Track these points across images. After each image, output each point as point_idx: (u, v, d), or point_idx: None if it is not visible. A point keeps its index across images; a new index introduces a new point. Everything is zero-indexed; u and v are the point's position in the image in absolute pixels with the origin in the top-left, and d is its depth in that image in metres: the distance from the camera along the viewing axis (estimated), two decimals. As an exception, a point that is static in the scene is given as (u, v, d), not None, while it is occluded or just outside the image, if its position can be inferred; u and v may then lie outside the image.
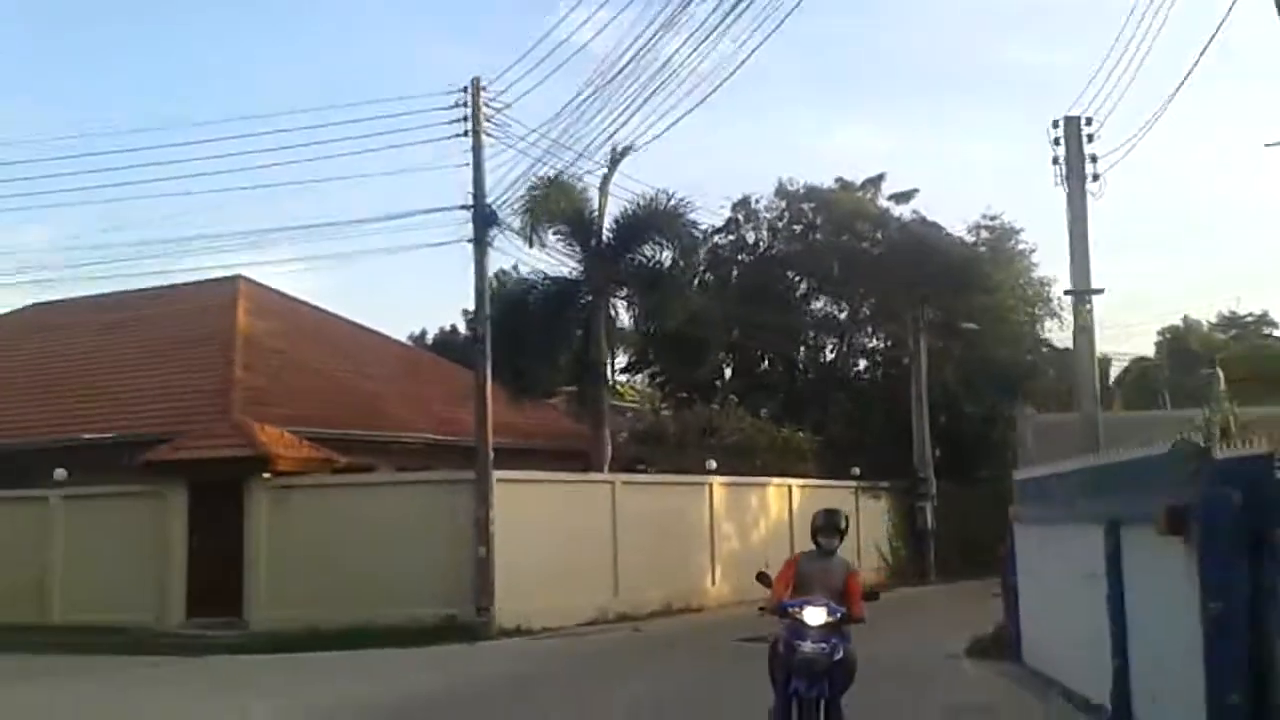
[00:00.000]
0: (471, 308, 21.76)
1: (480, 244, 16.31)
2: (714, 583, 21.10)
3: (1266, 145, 15.22)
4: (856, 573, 8.25)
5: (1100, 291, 14.39)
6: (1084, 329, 14.18)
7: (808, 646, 7.74)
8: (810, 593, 7.96)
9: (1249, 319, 44.06)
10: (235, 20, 63.18)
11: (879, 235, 29.62)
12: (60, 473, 17.63)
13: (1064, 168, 14.21)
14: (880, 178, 30.78)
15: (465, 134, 16.22)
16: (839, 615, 7.80)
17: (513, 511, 16.72)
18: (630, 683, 12.08)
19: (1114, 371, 39.83)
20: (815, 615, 7.80)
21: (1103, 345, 40.00)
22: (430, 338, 37.35)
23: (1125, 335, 55.92)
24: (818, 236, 30.62)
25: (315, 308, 28.11)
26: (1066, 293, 15.06)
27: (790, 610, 7.89)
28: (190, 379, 22.13)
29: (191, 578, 16.86)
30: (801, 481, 24.09)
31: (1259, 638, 6.46)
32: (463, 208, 16.28)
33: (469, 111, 16.12)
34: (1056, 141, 14.29)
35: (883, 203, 30.96)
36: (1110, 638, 8.65)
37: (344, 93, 61.81)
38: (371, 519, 16.80)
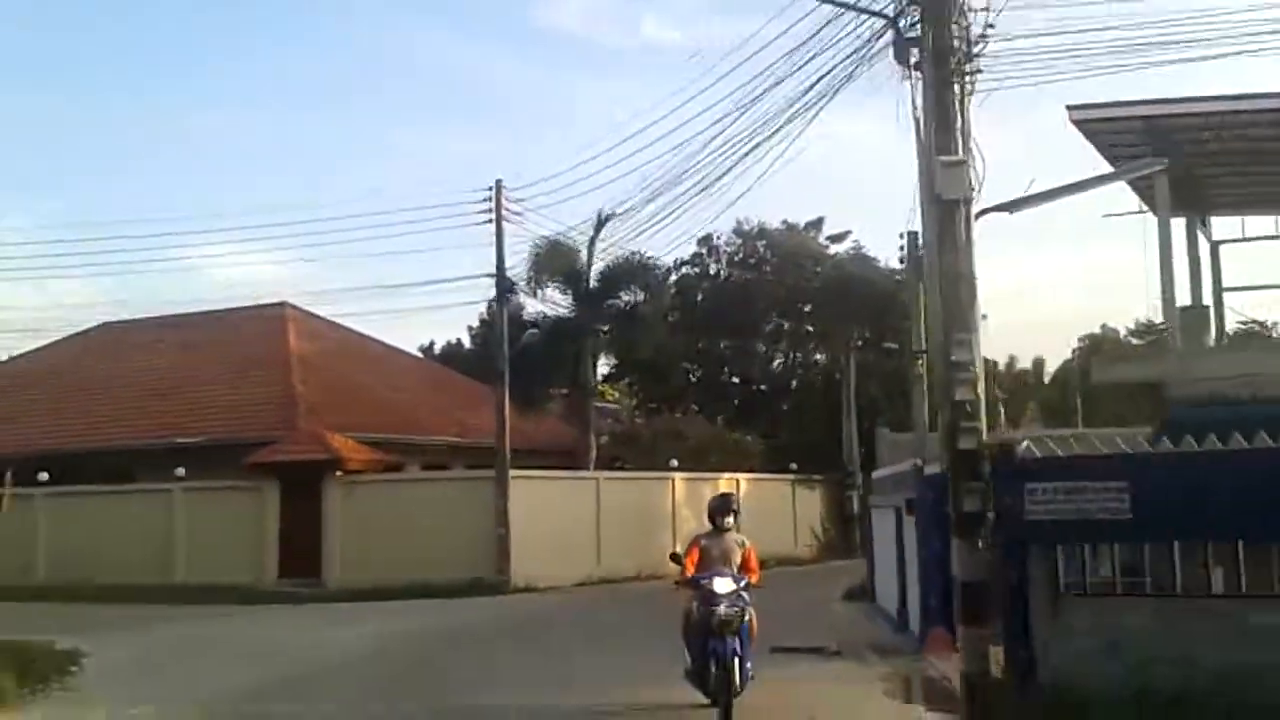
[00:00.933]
0: (475, 324, 27.52)
1: (500, 303, 22.06)
2: (671, 552, 26.89)
3: (1104, 216, 20.86)
4: (750, 547, 9.66)
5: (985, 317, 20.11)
6: (918, 377, 19.94)
7: (722, 609, 8.95)
8: (713, 566, 9.28)
9: (1164, 327, 49.76)
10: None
11: (818, 270, 35.40)
12: (180, 471, 23.17)
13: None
14: (820, 220, 36.60)
15: (490, 221, 21.98)
16: (743, 583, 9.20)
17: (523, 501, 22.48)
18: (605, 616, 17.88)
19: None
20: (723, 584, 9.08)
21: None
22: (438, 348, 42.84)
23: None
24: (768, 269, 36.40)
25: (349, 329, 33.67)
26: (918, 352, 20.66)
27: (701, 583, 9.15)
28: (259, 391, 27.69)
29: (282, 549, 22.55)
30: (748, 476, 29.85)
31: (946, 570, 12.34)
32: (487, 275, 22.05)
33: (493, 205, 21.85)
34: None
35: (823, 240, 36.81)
36: (896, 575, 14.56)
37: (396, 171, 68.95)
38: (418, 506, 22.57)
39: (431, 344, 42.38)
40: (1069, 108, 18.63)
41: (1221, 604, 7.98)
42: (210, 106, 69.94)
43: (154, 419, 27.02)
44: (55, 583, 21.63)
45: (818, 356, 36.69)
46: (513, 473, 22.40)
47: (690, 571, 9.36)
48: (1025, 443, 9.23)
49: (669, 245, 53.11)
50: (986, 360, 29.20)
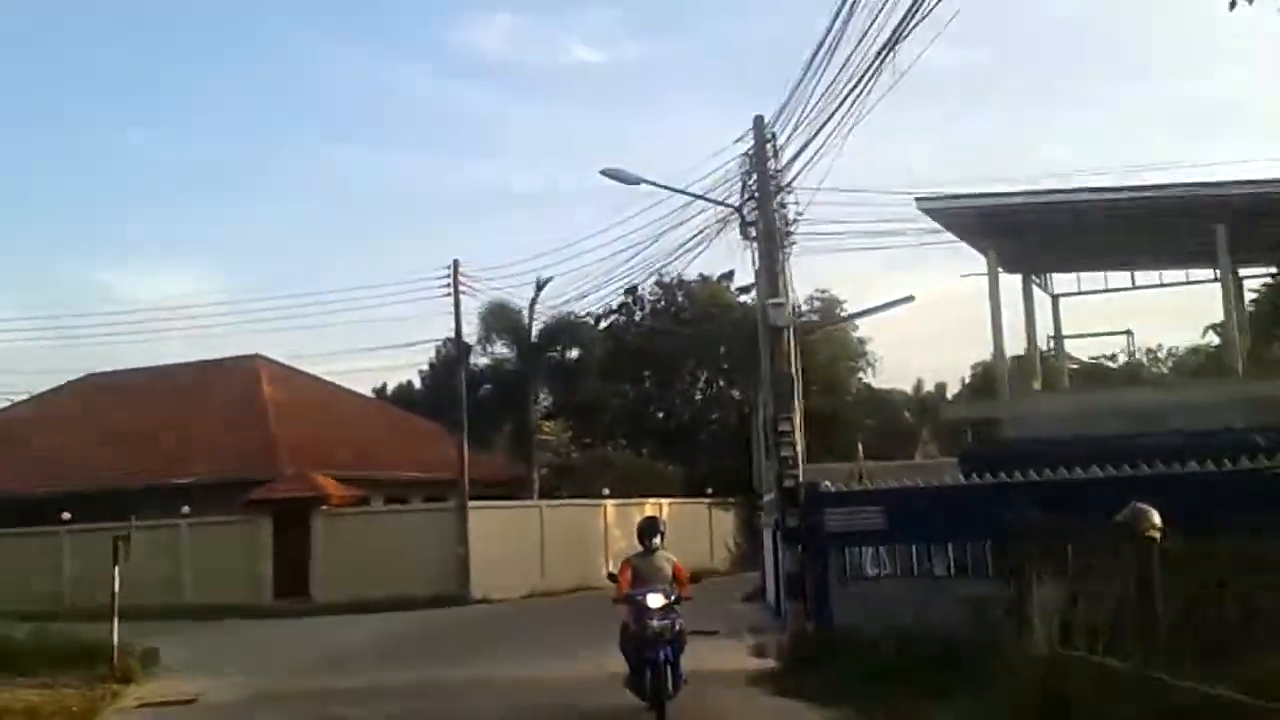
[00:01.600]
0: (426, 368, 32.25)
1: (459, 365, 26.60)
2: (607, 572, 31.45)
3: (963, 276, 25.76)
4: (679, 563, 10.68)
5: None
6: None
7: (655, 623, 9.76)
8: (646, 583, 10.12)
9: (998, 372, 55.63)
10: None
11: (728, 316, 40.44)
12: (185, 509, 27.18)
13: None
14: (731, 273, 41.66)
15: (448, 295, 26.55)
16: (674, 597, 10.06)
17: (479, 527, 26.91)
18: (547, 618, 22.40)
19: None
20: (655, 599, 9.88)
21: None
22: (390, 389, 47.01)
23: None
24: (686, 316, 41.35)
25: (314, 377, 37.78)
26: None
27: (636, 598, 9.94)
28: (241, 435, 31.70)
29: (276, 572, 26.67)
30: (669, 500, 34.50)
31: (794, 567, 17.18)
32: (446, 340, 26.56)
33: (451, 281, 26.43)
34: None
35: (733, 290, 41.87)
36: (773, 578, 19.36)
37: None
38: (391, 533, 26.92)
39: (384, 385, 46.57)
40: (917, 199, 23.72)
41: (942, 580, 12.83)
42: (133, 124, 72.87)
43: (146, 462, 30.91)
44: (79, 605, 25.45)
45: (733, 393, 41.62)
46: (470, 504, 26.85)
47: (625, 589, 10.27)
48: (825, 482, 14.04)
49: (600, 297, 58.00)
50: (893, 389, 34.26)
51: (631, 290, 41.75)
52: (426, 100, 78.75)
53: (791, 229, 13.40)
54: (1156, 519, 6.48)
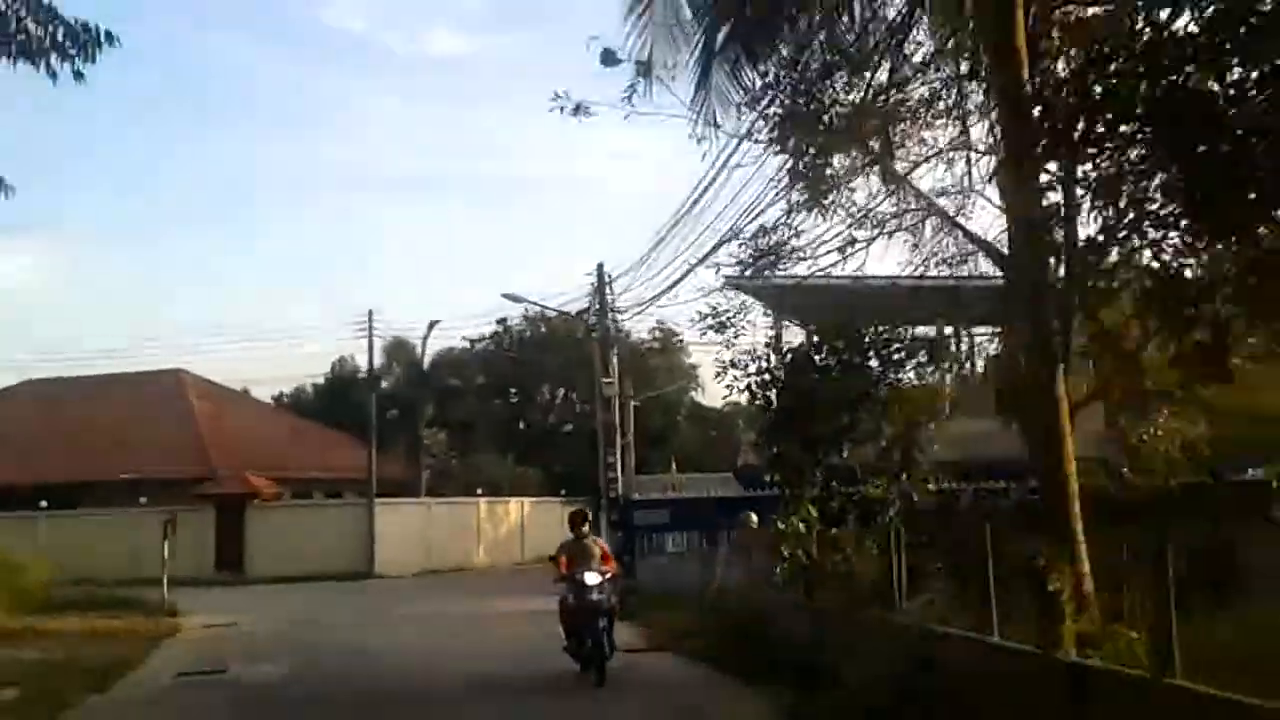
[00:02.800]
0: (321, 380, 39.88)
1: (372, 397, 34.06)
2: (479, 555, 39.30)
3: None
4: (605, 547, 12.49)
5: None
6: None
7: (592, 597, 11.32)
8: (580, 564, 11.65)
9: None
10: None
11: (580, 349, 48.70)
12: (143, 499, 33.73)
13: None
14: (585, 310, 49.90)
15: (366, 338, 33.99)
16: (607, 575, 11.66)
17: (382, 518, 34.39)
18: (437, 587, 30.12)
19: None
20: (592, 578, 11.45)
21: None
22: (285, 397, 53.47)
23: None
24: (547, 342, 49.41)
25: (229, 388, 44.37)
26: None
27: (575, 577, 11.46)
28: (176, 436, 38.21)
29: (217, 552, 33.55)
30: (530, 499, 42.54)
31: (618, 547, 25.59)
32: (364, 378, 33.93)
33: (368, 331, 33.87)
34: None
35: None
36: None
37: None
38: (311, 522, 34.10)
39: (281, 394, 53.11)
40: (726, 278, 32.32)
41: (707, 555, 21.25)
42: None
43: (94, 460, 37.17)
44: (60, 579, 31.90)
45: (585, 406, 49.87)
46: (378, 500, 34.35)
47: (564, 569, 11.61)
48: (635, 493, 22.35)
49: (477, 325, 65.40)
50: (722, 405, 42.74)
51: (502, 320, 49.69)
52: (284, 82, 78.99)
53: (621, 334, 21.53)
54: (754, 517, 14.86)
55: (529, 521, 40.33)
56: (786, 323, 33.43)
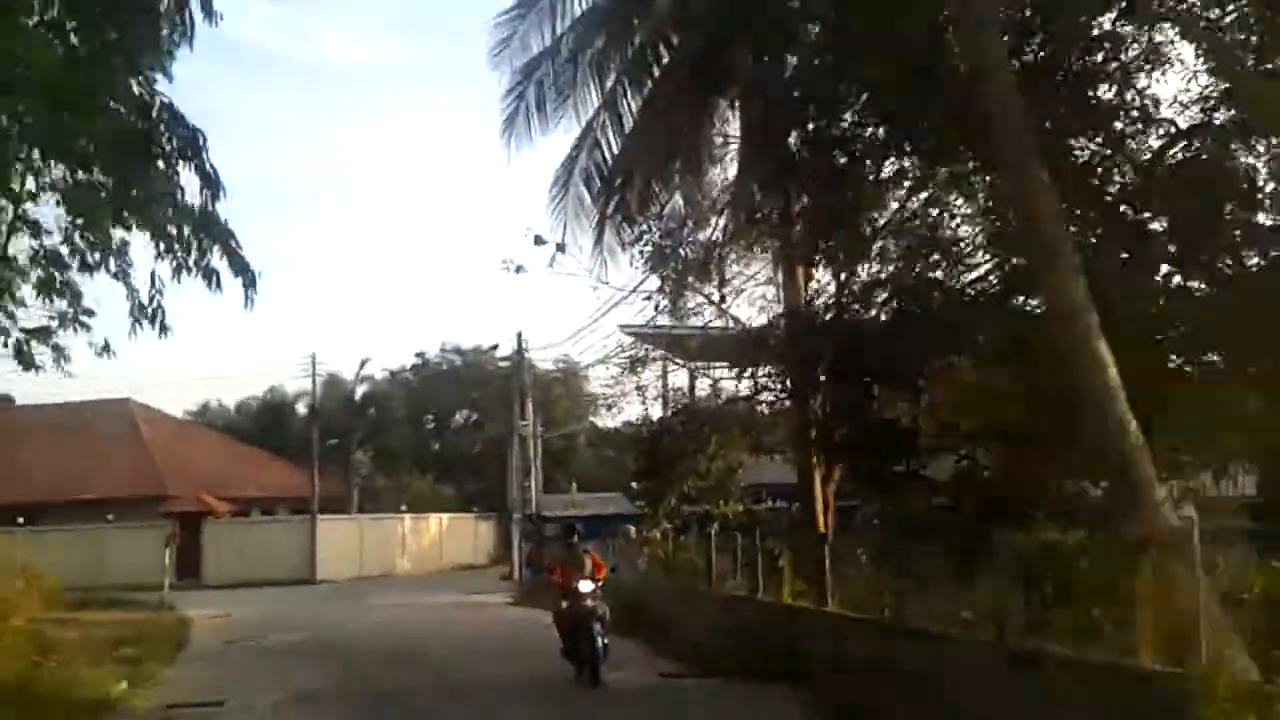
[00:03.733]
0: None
1: (312, 427, 39.60)
2: (404, 564, 45.00)
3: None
4: (595, 554, 13.17)
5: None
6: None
7: (586, 604, 12.05)
8: (573, 573, 12.55)
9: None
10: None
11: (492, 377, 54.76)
12: (110, 516, 38.65)
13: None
14: (496, 345, 55.96)
15: (309, 378, 39.53)
16: (599, 583, 12.41)
17: (324, 531, 39.95)
18: (372, 588, 35.87)
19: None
20: (585, 585, 12.27)
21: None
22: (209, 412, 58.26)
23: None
24: (461, 374, 55.37)
25: (172, 415, 49.20)
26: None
27: (570, 586, 12.35)
28: (130, 461, 43.07)
29: (178, 563, 38.61)
30: (448, 515, 48.37)
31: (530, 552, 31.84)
32: (306, 412, 39.45)
33: (311, 371, 39.40)
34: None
35: (498, 356, 56.17)
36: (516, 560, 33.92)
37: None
38: (259, 536, 39.47)
39: (205, 406, 58.03)
40: (620, 326, 38.73)
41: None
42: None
43: (57, 482, 41.83)
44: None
45: (493, 431, 55.87)
46: (320, 516, 39.93)
47: (558, 578, 12.34)
48: (545, 510, 28.58)
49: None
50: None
51: (420, 354, 55.59)
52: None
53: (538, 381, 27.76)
54: (632, 529, 21.28)
55: (446, 534, 46.34)
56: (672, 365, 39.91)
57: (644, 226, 18.91)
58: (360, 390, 44.47)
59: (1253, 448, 10.80)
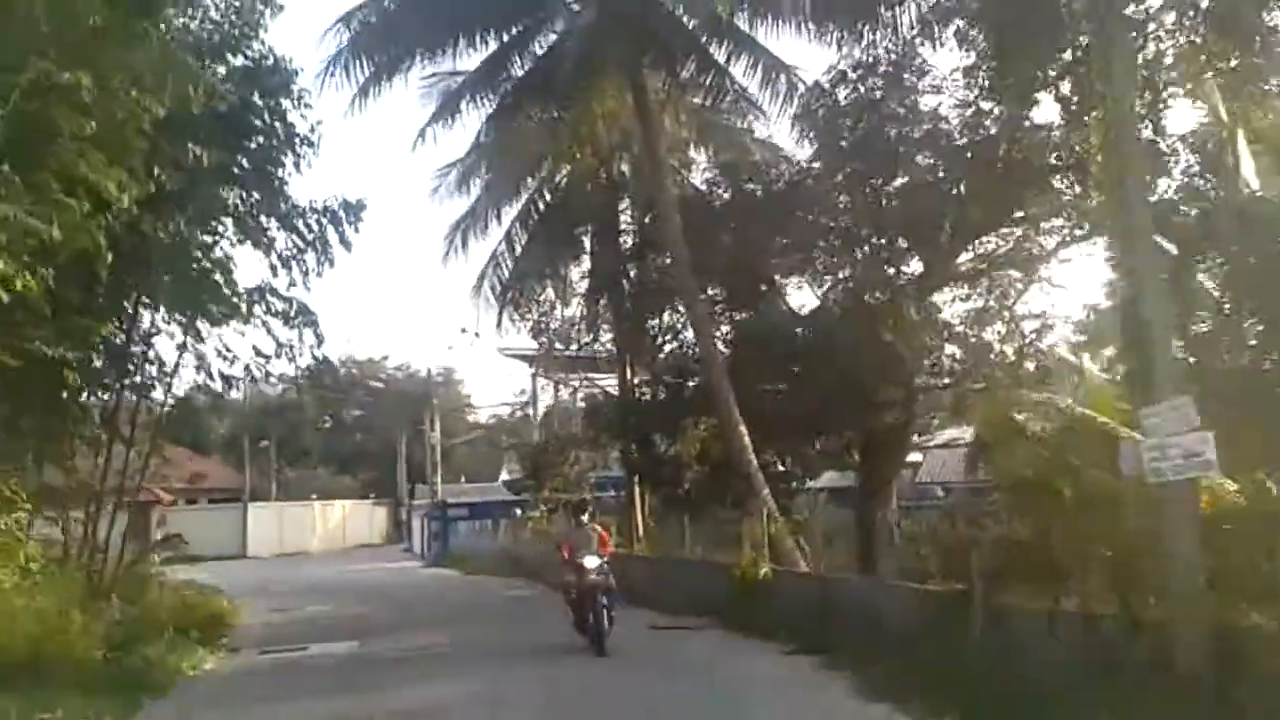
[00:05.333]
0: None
1: (244, 436, 48.14)
2: (315, 543, 53.71)
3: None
4: (604, 532, 13.90)
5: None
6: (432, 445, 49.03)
7: (592, 578, 12.75)
8: (581, 550, 13.21)
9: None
10: None
11: (382, 384, 63.62)
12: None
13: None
14: (386, 356, 64.88)
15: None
16: (605, 559, 13.10)
17: (254, 517, 48.56)
18: (299, 563, 44.80)
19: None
20: (592, 561, 12.96)
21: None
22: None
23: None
24: (356, 381, 64.10)
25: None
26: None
27: (577, 561, 12.97)
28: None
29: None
30: (350, 501, 57.20)
31: (440, 537, 41.57)
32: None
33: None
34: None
35: (390, 365, 65.04)
36: (420, 542, 43.42)
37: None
38: (198, 520, 47.75)
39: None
40: (499, 349, 48.54)
41: (491, 533, 37.44)
42: None
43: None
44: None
45: (386, 430, 64.71)
46: (251, 505, 48.61)
47: (567, 555, 13.16)
48: (448, 498, 38.20)
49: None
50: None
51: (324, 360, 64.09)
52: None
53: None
54: (519, 511, 31.35)
55: (349, 518, 55.38)
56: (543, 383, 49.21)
57: (526, 310, 28.70)
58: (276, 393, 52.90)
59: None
